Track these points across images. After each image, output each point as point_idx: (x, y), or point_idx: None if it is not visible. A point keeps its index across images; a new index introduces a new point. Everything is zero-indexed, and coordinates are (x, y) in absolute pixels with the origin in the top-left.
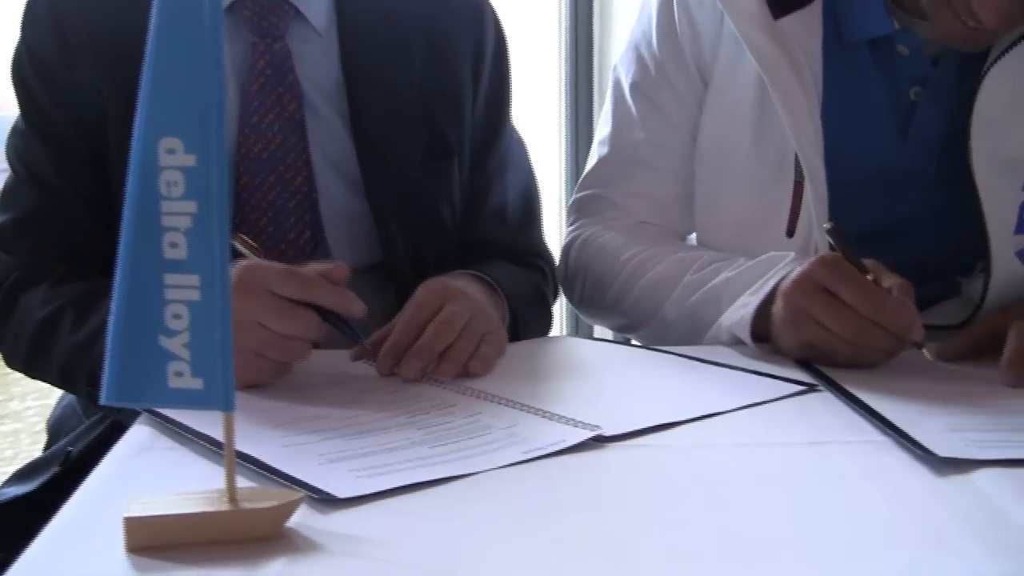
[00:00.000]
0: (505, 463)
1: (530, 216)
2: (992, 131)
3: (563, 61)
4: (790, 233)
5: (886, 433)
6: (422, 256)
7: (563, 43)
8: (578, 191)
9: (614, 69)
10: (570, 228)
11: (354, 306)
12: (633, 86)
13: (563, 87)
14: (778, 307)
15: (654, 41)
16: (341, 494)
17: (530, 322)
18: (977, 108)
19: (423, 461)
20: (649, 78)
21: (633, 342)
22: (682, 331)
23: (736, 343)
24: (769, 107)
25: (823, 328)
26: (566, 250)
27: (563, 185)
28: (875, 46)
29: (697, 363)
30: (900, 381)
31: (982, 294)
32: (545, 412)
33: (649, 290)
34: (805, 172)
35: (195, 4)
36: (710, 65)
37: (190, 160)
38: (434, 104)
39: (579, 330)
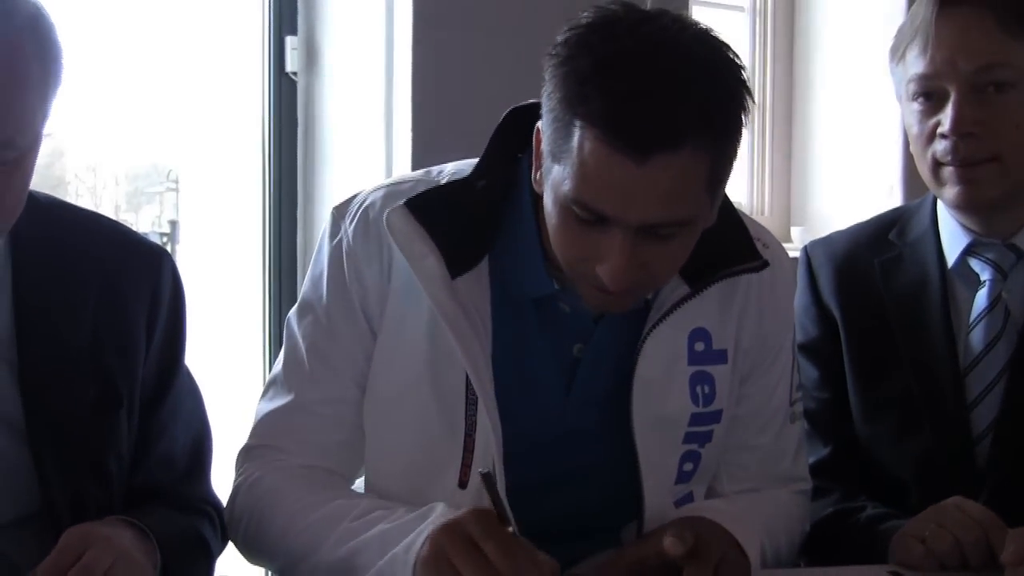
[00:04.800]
0: None
1: (198, 463)
2: (650, 392)
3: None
4: (462, 484)
5: None
6: (84, 506)
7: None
8: (249, 439)
9: (288, 321)
10: (239, 472)
11: None
12: (305, 340)
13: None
14: (423, 548)
15: (324, 298)
16: None
17: (185, 568)
18: (638, 371)
19: None
20: (321, 333)
21: None
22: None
23: None
24: (442, 361)
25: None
26: (234, 494)
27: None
28: (540, 304)
29: None
30: None
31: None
32: None
33: (307, 533)
34: (481, 421)
35: None
36: (378, 319)
37: None
38: (107, 354)
39: None
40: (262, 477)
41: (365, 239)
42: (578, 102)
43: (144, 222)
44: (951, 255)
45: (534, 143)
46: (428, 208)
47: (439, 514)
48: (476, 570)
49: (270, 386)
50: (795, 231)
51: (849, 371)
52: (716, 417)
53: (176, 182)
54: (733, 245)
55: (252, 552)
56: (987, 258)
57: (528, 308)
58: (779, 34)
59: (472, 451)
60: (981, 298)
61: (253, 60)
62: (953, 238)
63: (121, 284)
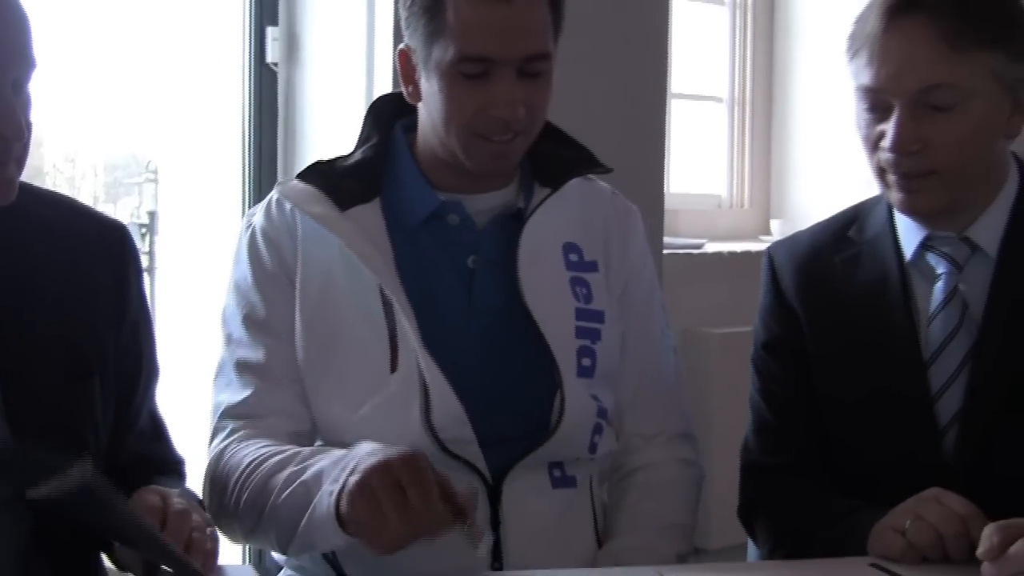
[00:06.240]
0: None
1: (164, 429)
2: (538, 292)
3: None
4: (393, 369)
5: None
6: None
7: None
8: (216, 395)
9: (223, 311)
10: (218, 439)
11: None
12: (245, 319)
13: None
14: (351, 480)
15: (250, 277)
16: None
17: None
18: (521, 269)
19: None
20: (256, 308)
21: None
22: (287, 521)
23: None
24: (356, 283)
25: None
26: (212, 462)
27: None
28: (430, 225)
29: None
30: None
31: (558, 418)
32: None
33: (257, 488)
34: (399, 319)
35: None
36: (295, 268)
37: None
38: (75, 324)
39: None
40: (228, 448)
41: (272, 220)
42: None
43: (123, 213)
44: (908, 250)
45: (399, 67)
46: (315, 174)
47: (366, 452)
48: (396, 508)
49: (220, 371)
50: (774, 224)
51: (814, 369)
52: (599, 316)
53: (155, 173)
54: (578, 157)
55: (220, 523)
56: (942, 252)
57: (421, 232)
58: (759, 28)
59: (396, 347)
60: (938, 291)
61: (234, 51)
62: (909, 233)
63: (84, 256)
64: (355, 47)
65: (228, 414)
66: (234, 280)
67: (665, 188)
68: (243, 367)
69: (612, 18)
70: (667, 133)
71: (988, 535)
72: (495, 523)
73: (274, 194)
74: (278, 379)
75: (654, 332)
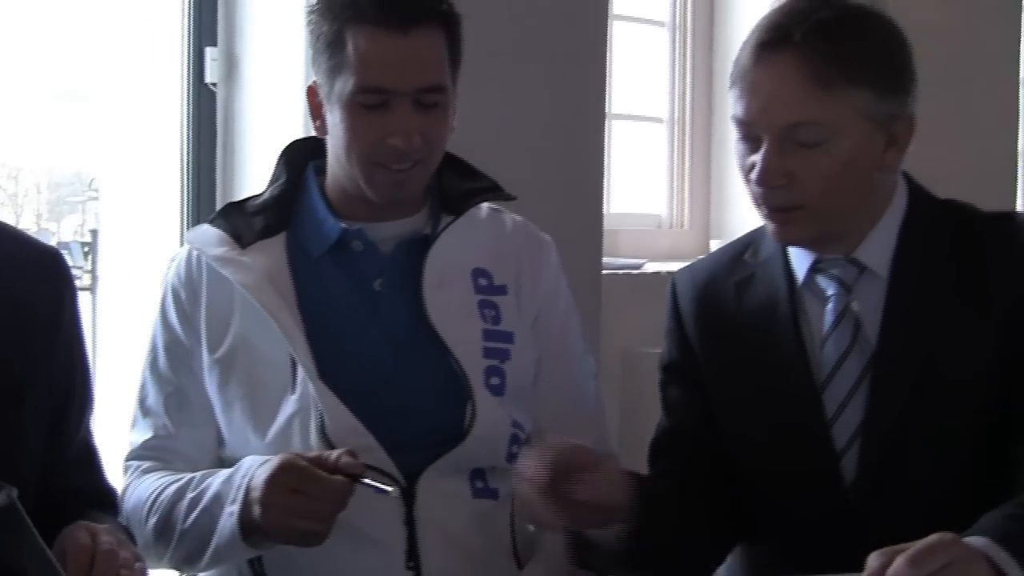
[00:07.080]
0: None
1: (96, 458)
2: (445, 316)
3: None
4: (293, 391)
5: None
6: None
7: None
8: (129, 431)
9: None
10: (125, 478)
11: None
12: (152, 367)
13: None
14: (253, 502)
15: (160, 333)
16: None
17: None
18: (426, 290)
19: None
20: (160, 360)
21: None
22: (196, 545)
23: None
24: (256, 309)
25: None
26: (121, 500)
27: None
28: (335, 252)
29: None
30: None
31: (470, 424)
32: None
33: (163, 519)
34: (295, 356)
35: None
36: (199, 320)
37: None
38: (7, 350)
39: None
40: (128, 487)
41: (180, 275)
42: (347, 15)
43: (66, 231)
44: (800, 272)
45: (308, 103)
46: (223, 216)
47: (249, 465)
48: (300, 513)
49: (136, 417)
50: (714, 244)
51: (711, 397)
52: (508, 337)
53: (98, 191)
54: (483, 186)
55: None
56: (831, 274)
57: (326, 261)
58: (698, 49)
59: (296, 370)
60: (829, 313)
61: (172, 70)
62: (799, 255)
63: (18, 282)
64: (293, 67)
65: (132, 455)
66: (151, 329)
67: (605, 208)
68: (146, 410)
69: (551, 39)
70: (607, 153)
71: (870, 560)
72: (409, 523)
73: (186, 245)
74: (176, 425)
75: (571, 358)
